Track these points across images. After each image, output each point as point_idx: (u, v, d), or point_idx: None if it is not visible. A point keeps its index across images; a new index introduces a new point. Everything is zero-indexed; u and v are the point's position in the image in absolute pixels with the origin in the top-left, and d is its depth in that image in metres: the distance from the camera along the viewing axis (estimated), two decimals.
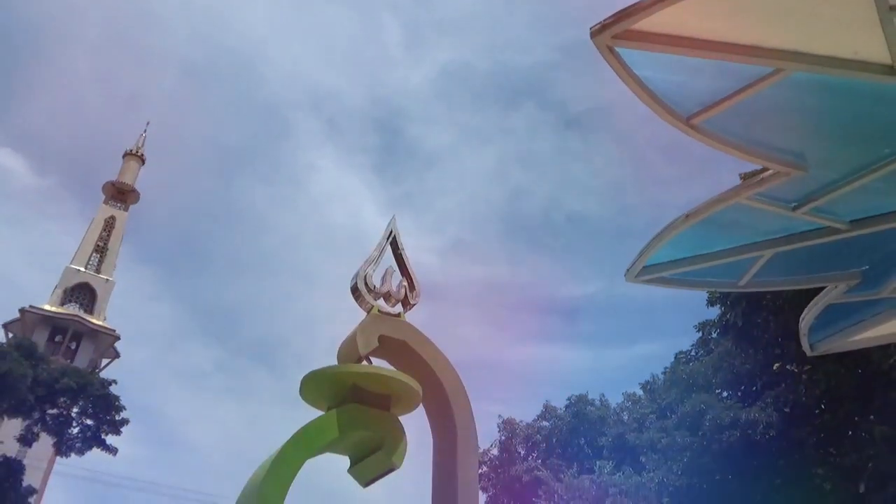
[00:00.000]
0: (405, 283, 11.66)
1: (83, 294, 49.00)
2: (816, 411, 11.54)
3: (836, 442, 11.02)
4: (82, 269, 49.73)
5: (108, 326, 47.81)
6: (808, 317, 4.34)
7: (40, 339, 39.07)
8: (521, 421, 34.39)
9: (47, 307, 45.54)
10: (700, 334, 20.22)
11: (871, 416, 10.26)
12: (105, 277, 50.68)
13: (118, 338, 47.86)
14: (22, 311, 43.21)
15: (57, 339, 44.30)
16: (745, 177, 4.22)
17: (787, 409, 12.06)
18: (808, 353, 4.76)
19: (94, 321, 46.86)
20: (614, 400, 33.22)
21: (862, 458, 9.74)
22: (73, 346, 45.22)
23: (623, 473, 21.72)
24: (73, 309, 46.79)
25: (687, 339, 19.72)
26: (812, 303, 4.23)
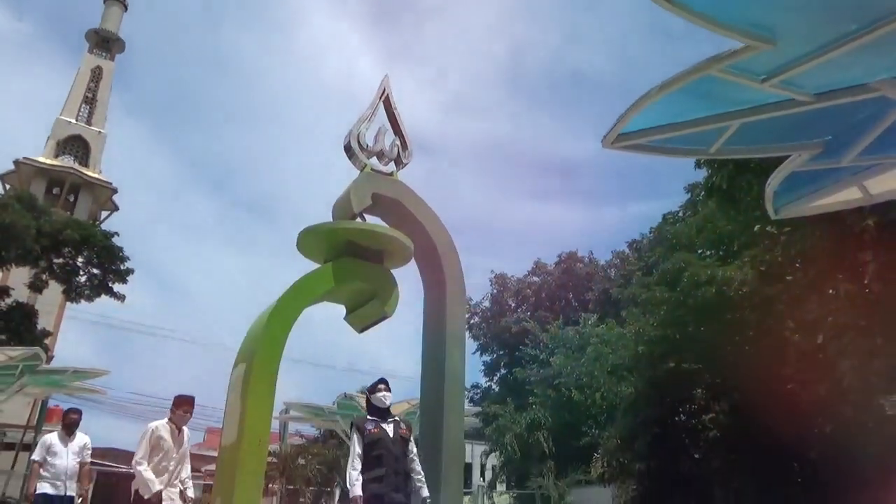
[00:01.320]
0: (398, 143, 11.79)
1: (76, 146, 48.58)
2: (789, 270, 12.14)
3: (804, 299, 11.71)
4: (73, 120, 48.90)
5: (105, 179, 47.89)
6: (772, 183, 4.60)
7: (38, 191, 39.23)
8: (513, 276, 35.94)
9: (42, 159, 45.33)
10: (689, 196, 20.64)
11: (840, 276, 10.84)
12: (97, 129, 49.97)
13: (115, 191, 48.11)
14: (17, 162, 43.05)
15: (54, 191, 44.47)
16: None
17: (762, 268, 12.65)
18: (773, 216, 5.08)
19: (90, 174, 46.85)
20: (603, 258, 34.45)
21: (823, 312, 10.43)
22: (72, 198, 45.50)
23: (606, 325, 23.07)
24: (67, 161, 46.58)
25: (679, 201, 20.11)
26: (777, 170, 4.47)
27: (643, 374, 15.99)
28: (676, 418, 17.04)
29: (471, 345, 35.47)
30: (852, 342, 9.95)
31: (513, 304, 35.00)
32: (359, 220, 11.21)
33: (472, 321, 35.31)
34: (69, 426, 7.85)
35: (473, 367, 47.40)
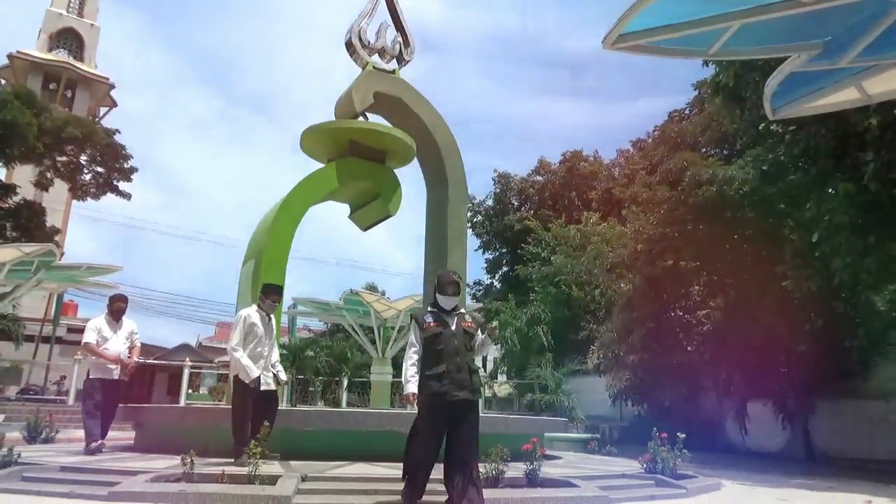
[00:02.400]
0: (399, 39, 11.55)
1: (70, 40, 47.10)
2: (791, 170, 12.16)
3: (803, 199, 11.80)
4: (63, 12, 47.13)
5: (101, 74, 46.78)
6: (771, 83, 4.61)
7: (34, 87, 38.39)
8: (516, 175, 35.77)
9: (36, 53, 44.13)
10: (697, 93, 20.25)
11: (840, 175, 10.87)
12: (89, 22, 48.28)
13: (113, 86, 47.10)
14: (10, 56, 41.92)
15: (51, 87, 43.59)
16: None
17: (764, 168, 12.65)
18: (770, 116, 5.12)
19: (86, 69, 45.72)
20: (608, 156, 34.17)
21: (821, 211, 10.55)
22: (69, 94, 44.69)
23: (607, 224, 23.29)
24: (62, 56, 45.35)
25: (687, 97, 19.73)
26: (776, 71, 4.47)
27: (641, 271, 16.34)
28: (672, 313, 17.60)
29: (473, 242, 35.94)
30: (846, 241, 10.14)
31: (516, 203, 35.07)
32: (361, 119, 11.18)
33: (475, 219, 35.56)
34: (117, 313, 7.81)
35: (476, 265, 48.12)
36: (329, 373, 27.86)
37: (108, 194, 27.46)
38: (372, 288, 39.01)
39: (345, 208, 11.57)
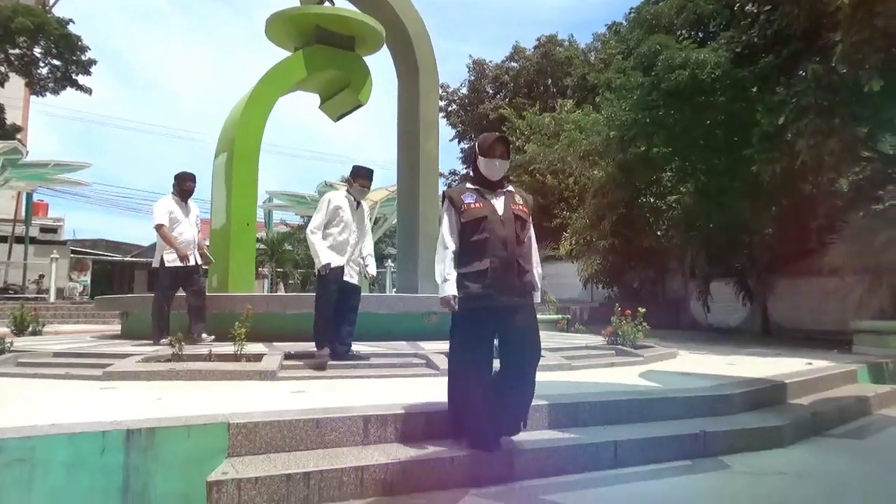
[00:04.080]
0: None
1: None
2: (763, 52, 12.12)
3: (774, 82, 11.86)
4: None
5: None
6: None
7: None
8: (491, 62, 34.95)
9: None
10: None
11: (810, 57, 10.90)
12: None
13: None
14: None
15: None
16: None
17: (737, 50, 12.58)
18: None
19: None
20: (584, 41, 33.38)
21: (789, 94, 10.66)
22: None
23: (581, 111, 23.15)
24: None
25: None
26: None
27: (614, 158, 16.50)
28: (642, 199, 17.98)
29: (448, 132, 35.60)
30: (811, 122, 10.33)
31: (491, 91, 34.51)
32: (327, 4, 10.79)
33: (449, 108, 35.04)
34: (186, 193, 7.15)
35: (451, 155, 47.77)
36: (308, 265, 28.25)
37: (68, 89, 26.41)
38: (347, 181, 38.84)
39: (316, 99, 11.40)
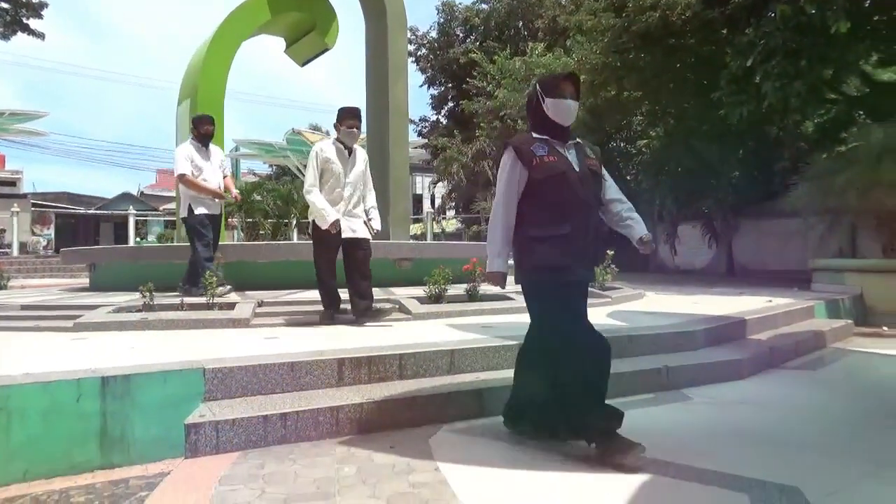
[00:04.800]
0: None
1: None
2: None
3: (744, 24, 11.85)
4: None
5: None
6: None
7: None
8: (461, 3, 34.14)
9: None
10: None
11: None
12: None
13: None
14: None
15: None
16: None
17: None
18: None
19: None
20: None
21: (758, 35, 10.67)
22: None
23: (553, 55, 22.88)
24: None
25: None
26: None
27: (584, 102, 16.45)
28: (612, 144, 18.04)
29: (418, 78, 35.01)
30: (779, 64, 10.38)
31: (461, 35, 33.86)
32: None
33: (418, 53, 34.35)
34: (205, 137, 6.77)
35: (421, 101, 47.08)
36: (278, 215, 27.97)
37: (19, 34, 25.23)
38: (315, 128, 38.17)
39: (281, 43, 11.10)
